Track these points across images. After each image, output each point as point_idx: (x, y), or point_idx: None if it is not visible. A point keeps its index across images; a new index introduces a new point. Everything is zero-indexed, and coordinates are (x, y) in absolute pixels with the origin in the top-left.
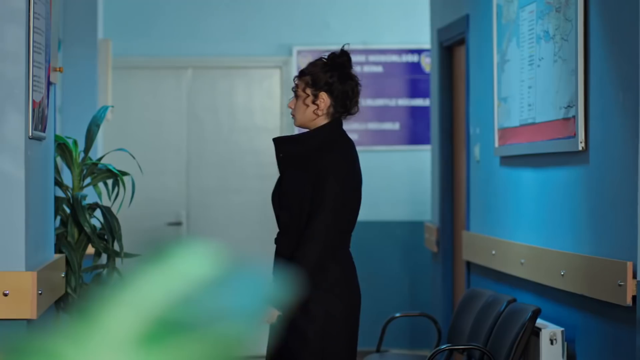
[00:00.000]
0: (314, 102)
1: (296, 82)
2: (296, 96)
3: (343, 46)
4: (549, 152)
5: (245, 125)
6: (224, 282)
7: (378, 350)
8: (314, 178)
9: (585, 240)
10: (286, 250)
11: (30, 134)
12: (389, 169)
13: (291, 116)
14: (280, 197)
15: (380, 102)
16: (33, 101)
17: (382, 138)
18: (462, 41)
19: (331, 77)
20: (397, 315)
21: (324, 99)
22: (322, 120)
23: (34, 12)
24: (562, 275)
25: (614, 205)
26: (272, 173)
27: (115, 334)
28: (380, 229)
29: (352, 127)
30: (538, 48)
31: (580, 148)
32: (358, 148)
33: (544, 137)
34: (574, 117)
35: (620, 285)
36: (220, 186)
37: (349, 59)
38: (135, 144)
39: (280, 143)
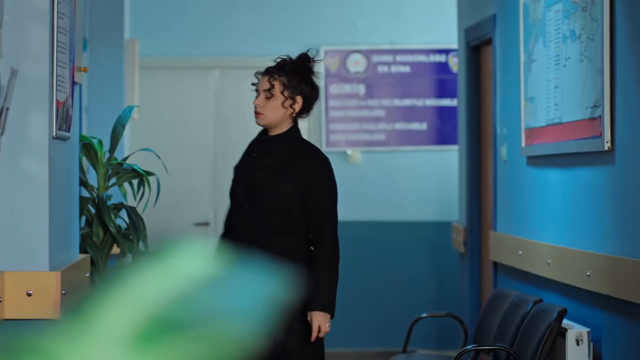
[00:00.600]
0: (291, 106)
1: (271, 81)
2: (270, 95)
3: (309, 50)
4: (574, 152)
5: None
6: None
7: (404, 351)
8: (309, 180)
9: (610, 240)
10: (281, 248)
11: (54, 134)
12: (416, 169)
13: (255, 114)
14: (257, 197)
15: (407, 102)
16: (57, 101)
17: (410, 138)
18: (489, 41)
19: (306, 82)
20: (424, 315)
21: (299, 103)
22: (288, 123)
23: (57, 12)
24: (588, 275)
25: (638, 204)
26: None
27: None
28: (407, 229)
29: (379, 127)
30: (564, 48)
31: (606, 148)
32: (385, 148)
33: (570, 137)
34: (599, 117)
35: None
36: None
37: (313, 66)
38: (162, 144)
39: (260, 143)
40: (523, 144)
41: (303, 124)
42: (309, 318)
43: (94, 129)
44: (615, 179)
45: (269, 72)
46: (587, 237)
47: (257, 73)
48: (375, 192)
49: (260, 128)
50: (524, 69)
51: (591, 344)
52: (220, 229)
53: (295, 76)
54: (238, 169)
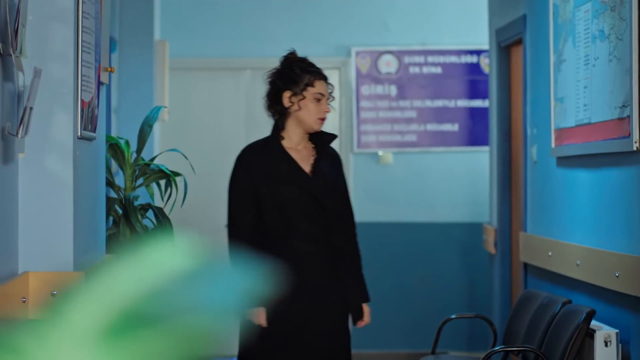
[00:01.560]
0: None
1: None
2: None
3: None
4: (603, 152)
5: None
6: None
7: (433, 352)
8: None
9: (639, 241)
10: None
11: (79, 134)
12: (447, 170)
13: (323, 119)
14: (335, 192)
15: (439, 103)
16: (82, 101)
17: (441, 139)
18: (519, 41)
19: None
20: (453, 317)
21: None
22: None
23: (82, 12)
24: (617, 276)
25: None
26: None
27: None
28: (438, 230)
29: (410, 128)
30: (593, 47)
31: (634, 148)
32: (416, 149)
33: (599, 138)
34: (628, 117)
35: None
36: None
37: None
38: (193, 146)
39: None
40: (553, 145)
41: (334, 124)
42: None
43: (123, 129)
44: None
45: (325, 77)
46: (615, 238)
47: (324, 78)
48: (407, 194)
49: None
50: (554, 69)
51: (620, 345)
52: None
53: None
54: (287, 175)
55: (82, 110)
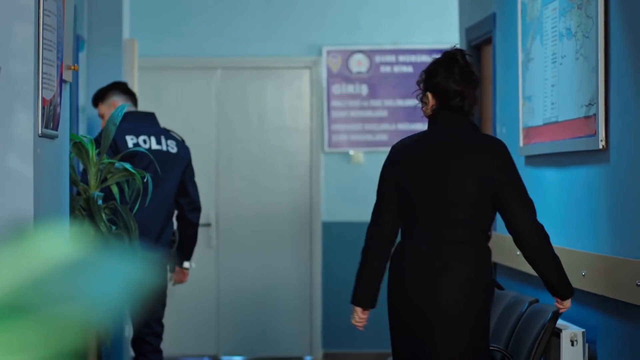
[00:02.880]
0: (422, 100)
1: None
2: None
3: (455, 45)
4: (570, 150)
5: (275, 125)
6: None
7: None
8: None
9: (605, 240)
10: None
11: (39, 132)
12: None
13: None
14: None
15: (410, 102)
16: (43, 99)
17: None
18: (489, 40)
19: (431, 77)
20: None
21: (430, 99)
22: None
23: (44, 9)
24: (583, 275)
25: (633, 204)
26: (303, 174)
27: None
28: None
29: (382, 127)
30: (560, 46)
31: (600, 147)
32: (387, 148)
33: (566, 136)
34: (594, 115)
35: (638, 285)
36: (250, 187)
37: (458, 56)
38: None
39: None
40: (521, 144)
41: (305, 123)
42: None
43: (92, 129)
44: (609, 178)
45: None
46: (582, 237)
47: None
48: None
49: None
50: (522, 67)
51: (586, 344)
52: (221, 229)
53: (424, 73)
54: None
55: (43, 108)
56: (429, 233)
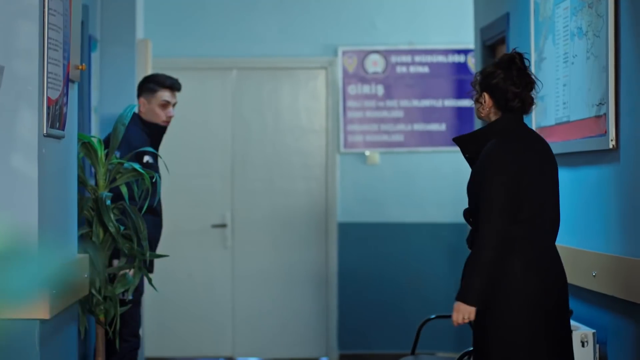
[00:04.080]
0: (478, 101)
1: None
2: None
3: (514, 49)
4: (581, 150)
5: (290, 126)
6: None
7: (413, 353)
8: (478, 169)
9: (615, 240)
10: (471, 244)
11: (44, 132)
12: (435, 170)
13: None
14: (467, 192)
15: (426, 102)
16: (48, 98)
17: (429, 139)
18: (503, 40)
19: (489, 78)
20: (432, 317)
21: (486, 99)
22: (495, 117)
23: (49, 8)
24: (594, 276)
25: None
26: (318, 174)
27: None
28: (426, 230)
29: (397, 128)
30: (572, 45)
31: (611, 146)
32: (403, 149)
33: (577, 136)
34: (604, 114)
35: None
36: (265, 188)
37: (516, 59)
38: (180, 146)
39: (460, 142)
40: None
41: (321, 124)
42: None
43: (105, 129)
44: (620, 178)
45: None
46: (593, 238)
47: None
48: (394, 194)
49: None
50: (535, 67)
51: (597, 345)
52: (237, 230)
53: (481, 74)
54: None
55: (48, 107)
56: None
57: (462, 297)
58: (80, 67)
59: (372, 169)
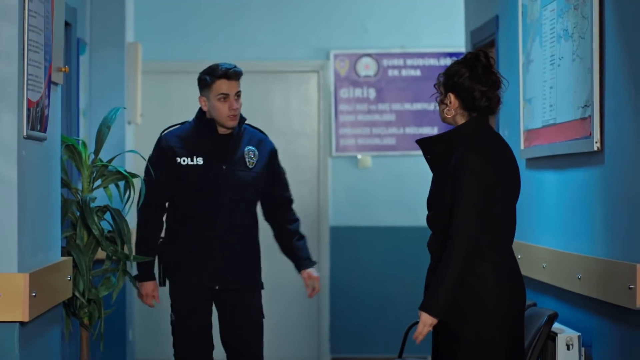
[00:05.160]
0: (442, 102)
1: (436, 85)
2: (439, 98)
3: (479, 49)
4: (567, 153)
5: (282, 129)
6: None
7: (400, 356)
8: (451, 175)
9: (600, 242)
10: (435, 251)
11: (24, 134)
12: (427, 174)
13: None
14: (428, 198)
15: (418, 106)
16: (28, 100)
17: None
18: (493, 43)
19: (455, 77)
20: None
21: (452, 100)
22: (461, 119)
23: (29, 10)
24: (579, 278)
25: (627, 206)
26: (310, 178)
27: None
28: (418, 234)
29: (389, 131)
30: (558, 47)
31: (595, 148)
32: (395, 152)
33: (564, 138)
34: (590, 116)
35: (630, 288)
36: None
37: (481, 57)
38: None
39: (423, 144)
40: (522, 146)
41: (313, 127)
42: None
43: (94, 132)
44: (604, 180)
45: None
46: (578, 240)
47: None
48: (386, 197)
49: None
50: (523, 69)
51: (582, 348)
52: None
53: (448, 74)
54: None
55: (28, 109)
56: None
57: (428, 308)
58: (62, 69)
59: (364, 173)
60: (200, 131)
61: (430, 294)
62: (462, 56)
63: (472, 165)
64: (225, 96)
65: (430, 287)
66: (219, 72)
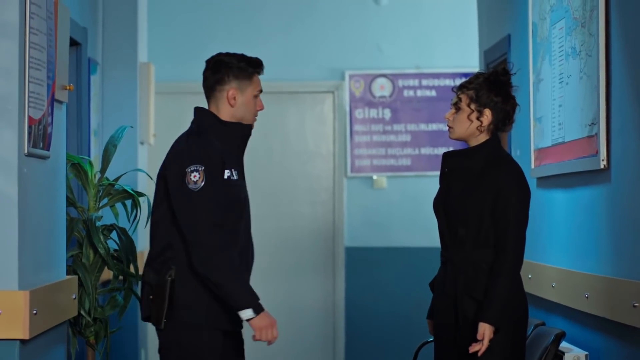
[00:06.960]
0: (478, 118)
1: (459, 95)
2: (457, 109)
3: (505, 65)
4: (575, 171)
5: (297, 150)
6: None
7: None
8: (495, 194)
9: (607, 261)
10: (464, 263)
11: (26, 151)
12: None
13: (448, 128)
14: (451, 211)
15: (433, 126)
16: (30, 118)
17: (436, 163)
18: (505, 62)
19: (496, 95)
20: (430, 340)
21: (487, 116)
22: (484, 136)
23: (30, 27)
24: (587, 297)
25: (632, 224)
26: (325, 199)
27: None
28: (434, 255)
29: (405, 152)
30: (567, 65)
31: (602, 166)
32: (410, 173)
33: (572, 157)
34: (596, 134)
35: (635, 306)
36: (272, 212)
37: (510, 78)
38: None
39: (448, 157)
40: (533, 165)
41: (328, 148)
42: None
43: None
44: (611, 198)
45: (459, 86)
46: (586, 259)
47: (453, 88)
48: (401, 218)
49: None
50: (533, 88)
51: None
52: None
53: (483, 89)
54: (440, 183)
55: (30, 127)
56: None
57: (493, 319)
58: (67, 88)
59: (379, 193)
60: (232, 138)
61: (493, 306)
62: (490, 71)
63: (524, 184)
64: (259, 94)
65: (490, 299)
66: (261, 66)
